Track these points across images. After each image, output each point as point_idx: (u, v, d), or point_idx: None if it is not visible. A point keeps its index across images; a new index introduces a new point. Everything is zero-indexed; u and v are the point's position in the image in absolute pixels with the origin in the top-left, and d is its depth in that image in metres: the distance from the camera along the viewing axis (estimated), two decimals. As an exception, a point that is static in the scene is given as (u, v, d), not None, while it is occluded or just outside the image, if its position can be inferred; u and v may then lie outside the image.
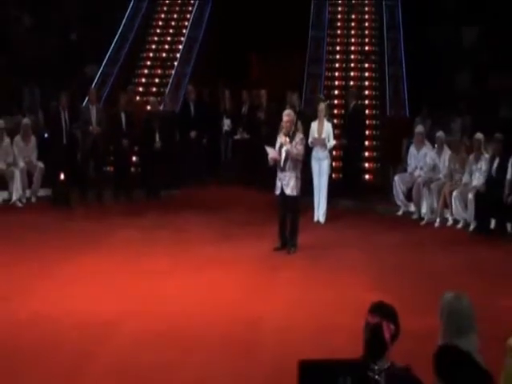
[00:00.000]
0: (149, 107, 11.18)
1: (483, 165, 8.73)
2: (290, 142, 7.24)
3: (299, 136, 7.47)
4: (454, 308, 3.08)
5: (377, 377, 2.79)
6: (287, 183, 7.23)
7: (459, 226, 8.85)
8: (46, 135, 10.67)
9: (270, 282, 6.45)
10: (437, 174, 9.33)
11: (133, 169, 10.87)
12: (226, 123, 11.35)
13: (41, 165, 10.06)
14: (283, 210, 7.39)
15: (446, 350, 2.71)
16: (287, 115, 7.37)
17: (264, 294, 6.11)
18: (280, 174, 7.27)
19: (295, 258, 7.22)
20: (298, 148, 7.29)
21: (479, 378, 2.62)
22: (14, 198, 9.66)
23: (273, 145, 7.43)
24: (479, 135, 8.93)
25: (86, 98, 10.78)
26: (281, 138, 7.29)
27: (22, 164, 9.88)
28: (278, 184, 7.29)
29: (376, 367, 2.81)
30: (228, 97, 11.48)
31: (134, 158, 10.94)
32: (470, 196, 8.69)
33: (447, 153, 9.26)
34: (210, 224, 8.62)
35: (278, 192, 7.33)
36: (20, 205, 9.64)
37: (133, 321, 5.44)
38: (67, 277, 6.47)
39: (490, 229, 8.42)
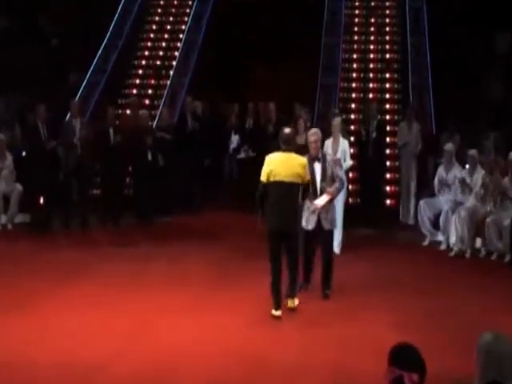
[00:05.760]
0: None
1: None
2: (324, 171, 7.02)
3: (332, 157, 7.37)
4: (495, 350, 3.13)
5: None
6: (326, 216, 7.06)
7: (493, 257, 8.93)
8: (23, 153, 10.84)
9: (276, 320, 6.51)
10: (468, 198, 9.45)
11: (125, 191, 11.02)
12: (235, 140, 11.48)
13: (19, 187, 10.18)
14: (312, 246, 7.23)
15: None
16: (314, 134, 7.17)
17: (271, 334, 6.18)
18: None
19: (306, 293, 7.27)
20: (338, 176, 7.15)
21: None
22: (-12, 224, 9.79)
23: None
24: (515, 155, 9.08)
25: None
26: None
27: (-4, 186, 10.02)
28: (312, 217, 7.07)
29: None
30: (236, 111, 11.65)
31: (127, 180, 11.10)
32: (506, 223, 8.78)
33: (480, 174, 9.38)
34: (207, 256, 8.70)
35: (310, 226, 7.11)
36: (-6, 232, 9.78)
37: (119, 363, 5.50)
38: (46, 312, 6.55)
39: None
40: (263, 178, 6.60)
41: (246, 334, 6.18)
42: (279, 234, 6.61)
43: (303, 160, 6.75)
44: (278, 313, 6.56)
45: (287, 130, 6.82)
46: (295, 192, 6.63)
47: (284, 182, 6.53)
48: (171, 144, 10.95)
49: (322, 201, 7.03)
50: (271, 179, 6.55)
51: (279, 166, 6.56)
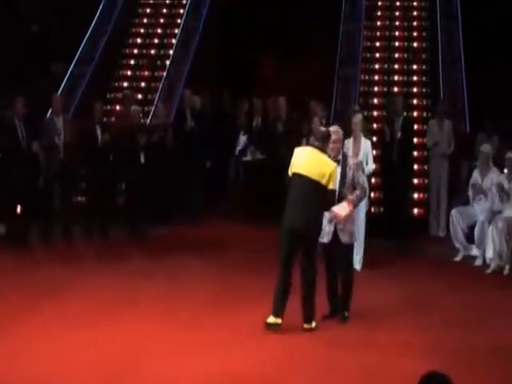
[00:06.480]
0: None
1: None
2: (344, 175, 7.06)
3: (354, 160, 7.35)
4: None
5: None
6: (344, 227, 7.08)
7: (536, 275, 9.02)
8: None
9: (288, 345, 6.54)
10: (506, 206, 9.48)
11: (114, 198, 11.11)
12: (242, 140, 11.59)
13: (-8, 193, 10.31)
14: (332, 263, 7.21)
15: None
16: (334, 133, 7.12)
17: (281, 360, 6.19)
18: (332, 215, 7.03)
19: (320, 314, 7.27)
20: (360, 182, 7.14)
21: None
22: (-42, 236, 9.88)
23: None
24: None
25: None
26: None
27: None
28: (329, 228, 7.11)
29: None
30: (246, 109, 11.75)
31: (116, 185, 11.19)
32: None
33: (521, 179, 9.45)
34: (207, 271, 8.77)
35: (326, 239, 7.13)
36: (-35, 245, 9.82)
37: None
38: (22, 336, 6.56)
39: None
40: (289, 171, 6.96)
41: (253, 361, 6.20)
42: (292, 233, 6.78)
43: (333, 165, 6.90)
44: (271, 320, 6.72)
45: (323, 128, 7.30)
46: (317, 192, 6.78)
47: (305, 176, 6.78)
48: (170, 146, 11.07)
49: (342, 209, 6.99)
50: (293, 170, 6.88)
51: (304, 159, 6.86)
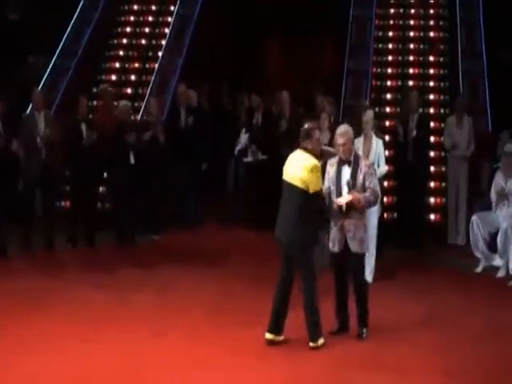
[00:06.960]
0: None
1: None
2: (354, 177, 7.09)
3: (364, 162, 7.31)
4: None
5: None
6: (354, 235, 7.14)
7: None
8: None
9: (293, 369, 6.46)
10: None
11: (100, 203, 11.21)
12: (243, 139, 11.66)
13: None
14: (342, 274, 7.27)
15: None
16: (343, 136, 7.19)
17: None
18: (341, 222, 7.12)
19: (326, 328, 7.29)
20: (371, 186, 7.16)
21: None
22: None
23: None
24: None
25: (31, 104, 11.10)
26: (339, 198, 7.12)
27: None
28: (338, 236, 7.19)
29: None
30: (247, 105, 11.77)
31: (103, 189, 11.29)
32: None
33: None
34: (204, 284, 8.79)
35: (337, 248, 7.21)
36: None
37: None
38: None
39: None
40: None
41: (254, 382, 6.20)
42: (281, 242, 7.03)
43: (312, 162, 6.88)
44: (269, 336, 6.92)
45: (307, 124, 7.19)
46: (301, 199, 6.88)
47: (289, 183, 6.98)
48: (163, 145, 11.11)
49: (343, 198, 7.13)
50: (283, 176, 7.08)
51: (290, 164, 7.04)
